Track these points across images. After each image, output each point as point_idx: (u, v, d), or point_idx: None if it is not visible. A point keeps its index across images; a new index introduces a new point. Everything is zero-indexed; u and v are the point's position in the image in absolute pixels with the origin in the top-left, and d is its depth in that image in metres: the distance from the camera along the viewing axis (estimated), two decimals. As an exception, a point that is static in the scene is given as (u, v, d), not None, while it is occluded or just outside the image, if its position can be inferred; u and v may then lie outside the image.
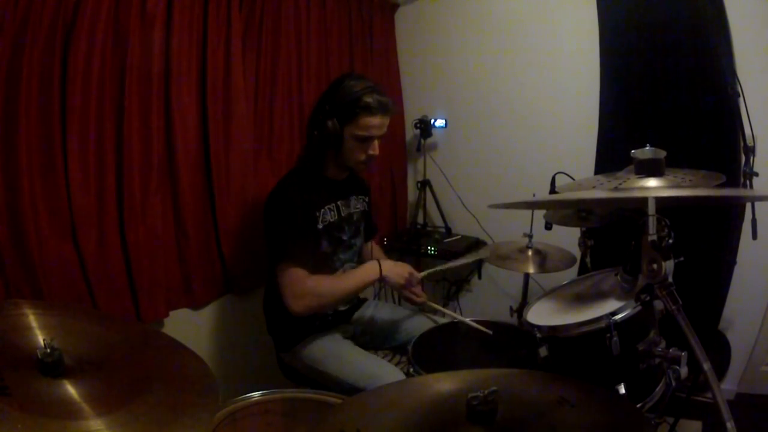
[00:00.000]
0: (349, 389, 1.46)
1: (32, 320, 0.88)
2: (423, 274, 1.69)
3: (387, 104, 1.50)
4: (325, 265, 1.61)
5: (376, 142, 1.54)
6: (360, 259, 1.81)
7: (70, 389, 0.78)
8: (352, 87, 1.48)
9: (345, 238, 1.68)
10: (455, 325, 1.74)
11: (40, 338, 0.82)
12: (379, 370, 1.51)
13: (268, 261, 1.58)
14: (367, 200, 1.81)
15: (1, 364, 0.76)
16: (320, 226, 1.57)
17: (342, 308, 1.75)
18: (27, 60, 1.24)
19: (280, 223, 1.51)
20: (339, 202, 1.65)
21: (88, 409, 0.75)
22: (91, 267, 1.42)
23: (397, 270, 1.61)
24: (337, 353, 1.58)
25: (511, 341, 1.56)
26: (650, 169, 1.10)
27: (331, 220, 1.61)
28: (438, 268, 1.77)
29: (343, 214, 1.66)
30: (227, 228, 1.82)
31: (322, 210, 1.58)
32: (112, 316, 1.27)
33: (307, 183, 1.57)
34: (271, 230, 1.53)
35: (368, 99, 1.46)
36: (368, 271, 1.57)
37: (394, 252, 2.56)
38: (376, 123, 1.49)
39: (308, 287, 1.47)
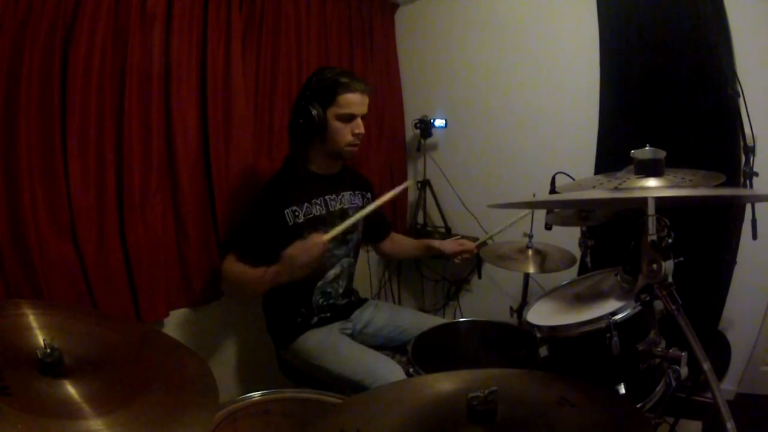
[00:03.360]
0: (347, 384, 1.47)
1: (32, 320, 0.88)
2: (327, 236, 1.45)
3: (363, 82, 1.56)
4: None
5: (359, 121, 1.57)
6: (357, 255, 1.81)
7: (70, 389, 0.78)
8: (327, 72, 1.55)
9: None
10: (455, 325, 1.74)
11: (40, 338, 0.82)
12: (377, 364, 1.51)
13: None
14: (369, 196, 1.81)
15: (1, 364, 0.76)
16: (301, 220, 1.58)
17: (340, 302, 1.75)
18: (27, 60, 1.24)
19: (244, 215, 1.60)
20: (327, 197, 1.65)
21: (88, 409, 0.75)
22: (91, 267, 1.42)
23: (296, 255, 1.40)
24: (335, 348, 1.59)
25: (511, 341, 1.56)
26: (650, 169, 1.10)
27: (317, 214, 1.62)
28: (343, 224, 1.48)
29: (332, 209, 1.66)
30: (227, 228, 1.82)
31: (305, 204, 1.59)
32: (112, 316, 1.27)
33: (289, 180, 1.59)
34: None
35: (344, 79, 1.52)
36: (269, 273, 1.44)
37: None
38: (357, 100, 1.53)
39: (230, 270, 1.49)
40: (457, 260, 1.87)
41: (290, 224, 1.57)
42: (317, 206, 1.62)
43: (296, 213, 1.57)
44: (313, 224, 1.60)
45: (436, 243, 1.89)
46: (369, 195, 1.82)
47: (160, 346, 1.05)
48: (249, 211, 1.60)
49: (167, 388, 0.87)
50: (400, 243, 2.00)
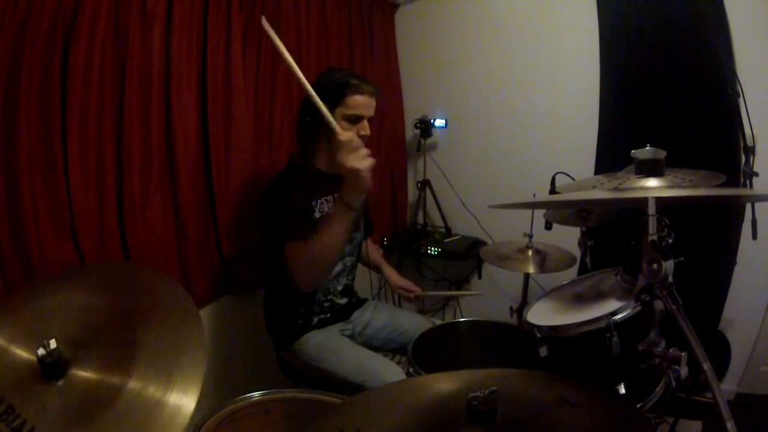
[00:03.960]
0: (347, 385, 1.47)
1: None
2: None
3: (372, 85, 1.56)
4: None
5: (365, 122, 1.57)
6: (359, 254, 1.81)
7: (84, 373, 0.77)
8: (336, 73, 1.55)
9: None
10: (455, 325, 1.74)
11: (21, 352, 0.81)
12: (378, 365, 1.51)
13: (267, 258, 1.58)
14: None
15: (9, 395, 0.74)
16: (317, 215, 1.58)
17: (339, 300, 1.75)
18: (27, 60, 1.24)
19: (279, 209, 1.49)
20: (335, 195, 1.65)
21: (115, 375, 0.77)
22: (91, 267, 1.42)
23: (347, 184, 1.34)
24: (336, 349, 1.59)
25: (511, 341, 1.56)
26: (650, 169, 1.10)
27: (329, 211, 1.62)
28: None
29: None
30: (227, 228, 1.82)
31: (320, 201, 1.59)
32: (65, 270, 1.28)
33: (303, 176, 1.58)
34: (271, 218, 1.51)
35: (354, 81, 1.53)
36: (338, 211, 1.37)
37: (394, 251, 2.57)
38: (364, 102, 1.54)
39: (304, 254, 1.38)
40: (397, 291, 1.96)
41: (317, 216, 1.56)
42: (329, 204, 1.63)
43: (315, 207, 1.58)
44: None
45: (387, 271, 1.98)
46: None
47: (125, 285, 1.05)
48: (287, 199, 1.49)
49: (158, 327, 0.90)
50: (369, 249, 1.97)
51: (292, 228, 1.42)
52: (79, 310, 0.93)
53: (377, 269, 2.02)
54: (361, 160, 1.29)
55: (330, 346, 1.60)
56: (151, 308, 0.95)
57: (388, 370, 1.49)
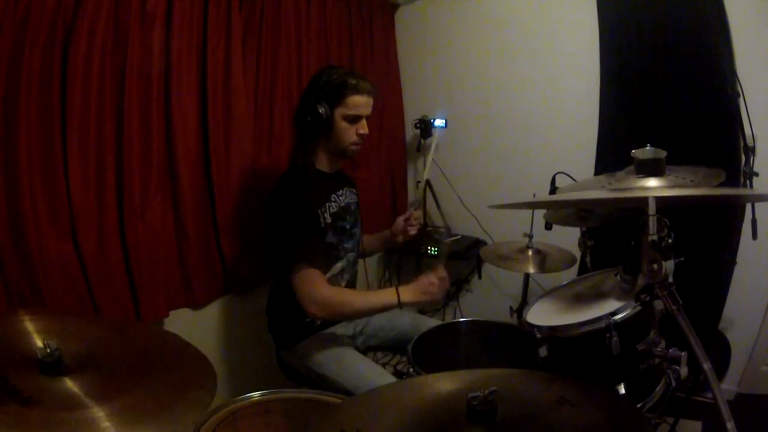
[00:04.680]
0: (344, 392, 1.46)
1: (29, 325, 0.89)
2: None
3: (369, 83, 1.59)
4: (330, 255, 1.62)
5: (364, 121, 1.60)
6: (359, 249, 1.82)
7: (70, 385, 0.78)
8: (335, 73, 1.57)
9: (348, 227, 1.69)
10: (455, 325, 1.74)
11: (39, 341, 0.83)
12: (378, 379, 1.50)
13: (270, 262, 1.58)
14: (356, 192, 1.83)
15: (5, 368, 0.76)
16: (329, 220, 1.59)
17: None
18: (27, 60, 1.24)
19: (286, 226, 1.51)
20: (337, 193, 1.68)
21: (89, 401, 0.76)
22: (91, 267, 1.42)
23: (417, 289, 1.51)
24: (338, 357, 1.58)
25: (511, 341, 1.56)
26: (650, 168, 1.10)
27: (334, 210, 1.63)
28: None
29: (342, 204, 1.68)
30: (227, 228, 1.82)
31: (327, 204, 1.61)
32: (107, 317, 1.33)
33: (305, 180, 1.59)
34: (278, 234, 1.54)
35: (352, 80, 1.54)
36: (386, 295, 1.50)
37: (394, 251, 2.56)
38: (363, 101, 1.56)
39: (327, 294, 1.49)
40: (411, 231, 1.83)
41: (322, 225, 1.58)
42: (335, 204, 1.64)
43: (324, 213, 1.59)
44: (334, 222, 1.62)
45: (389, 230, 1.91)
46: (355, 190, 1.83)
47: (156, 339, 1.05)
48: (288, 221, 1.51)
49: (165, 377, 0.88)
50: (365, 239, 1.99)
51: (306, 252, 1.49)
52: (97, 337, 0.95)
53: (376, 243, 2.00)
54: (436, 292, 1.51)
55: (333, 353, 1.60)
56: (167, 367, 0.93)
57: (385, 383, 1.48)
